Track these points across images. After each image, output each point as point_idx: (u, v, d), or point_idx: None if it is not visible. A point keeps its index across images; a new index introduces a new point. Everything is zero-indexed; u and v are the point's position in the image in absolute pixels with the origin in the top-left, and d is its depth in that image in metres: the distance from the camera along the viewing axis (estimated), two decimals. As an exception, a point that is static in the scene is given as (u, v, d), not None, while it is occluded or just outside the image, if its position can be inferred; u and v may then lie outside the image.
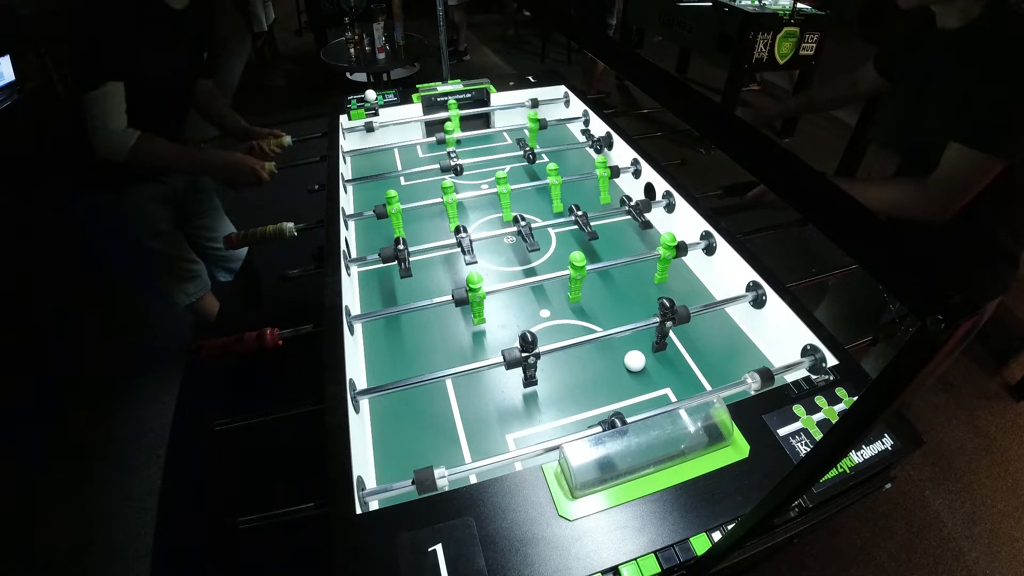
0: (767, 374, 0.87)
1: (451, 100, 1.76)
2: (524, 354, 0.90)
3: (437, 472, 0.73)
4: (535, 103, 1.86)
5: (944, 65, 1.13)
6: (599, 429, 0.80)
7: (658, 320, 0.99)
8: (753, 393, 0.87)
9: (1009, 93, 1.02)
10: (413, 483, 0.73)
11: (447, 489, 0.73)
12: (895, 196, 1.19)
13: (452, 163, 1.52)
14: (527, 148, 1.61)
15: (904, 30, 1.30)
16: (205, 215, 1.81)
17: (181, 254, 1.70)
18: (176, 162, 1.51)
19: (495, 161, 1.68)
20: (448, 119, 1.72)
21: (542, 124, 1.70)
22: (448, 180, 1.34)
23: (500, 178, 1.36)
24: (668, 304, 0.98)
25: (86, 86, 1.26)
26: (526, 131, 1.83)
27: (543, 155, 1.66)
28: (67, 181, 1.51)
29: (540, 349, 0.92)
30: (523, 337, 0.90)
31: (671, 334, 1.08)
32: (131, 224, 1.55)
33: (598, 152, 1.64)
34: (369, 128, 1.72)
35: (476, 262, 1.19)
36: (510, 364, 0.90)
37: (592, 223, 1.30)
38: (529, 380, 0.96)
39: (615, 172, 1.49)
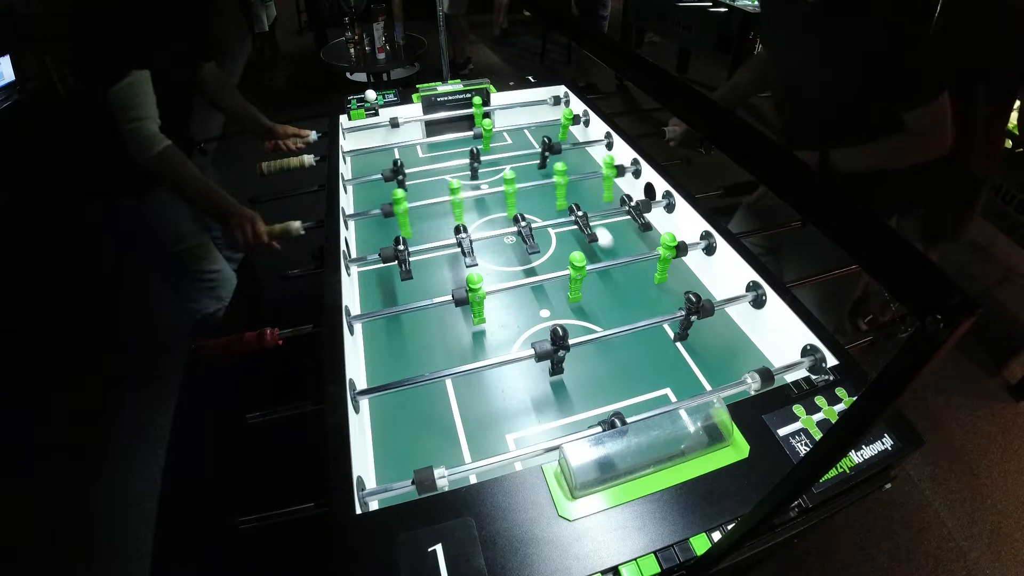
0: (767, 374, 0.87)
1: (476, 97, 1.76)
2: (554, 346, 0.92)
3: (437, 472, 0.73)
4: (557, 100, 1.89)
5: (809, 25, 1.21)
6: (599, 429, 0.81)
7: (683, 314, 1.01)
8: (753, 393, 0.87)
9: (910, 42, 1.08)
10: (413, 483, 0.73)
11: (447, 489, 0.73)
12: (890, 156, 1.24)
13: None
14: (547, 140, 1.60)
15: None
16: None
17: (209, 255, 1.61)
18: (192, 191, 1.34)
19: (495, 161, 1.68)
20: (471, 116, 1.75)
21: (576, 120, 1.76)
22: (455, 181, 1.34)
23: (507, 179, 1.36)
24: (695, 299, 1.00)
25: (108, 80, 1.17)
26: (527, 132, 1.84)
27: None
28: (82, 190, 1.44)
29: (571, 342, 0.94)
30: (554, 332, 0.93)
31: (671, 335, 1.08)
32: (156, 229, 1.47)
33: (609, 149, 1.64)
34: (394, 124, 1.72)
35: (476, 264, 1.19)
36: (540, 357, 0.92)
37: (592, 224, 1.30)
38: (556, 370, 0.98)
39: (621, 171, 1.49)
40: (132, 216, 1.45)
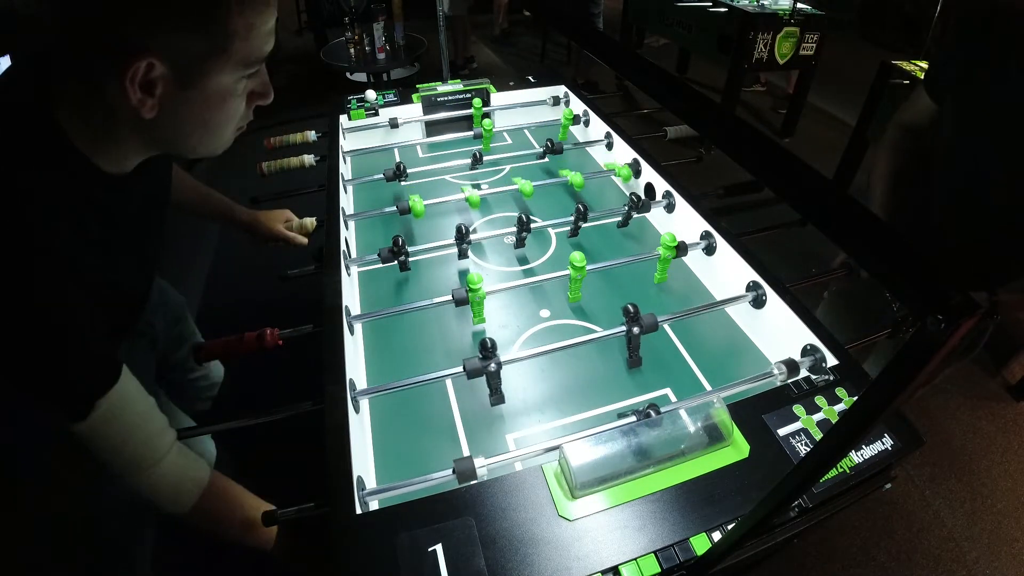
0: (792, 365, 0.88)
1: (476, 99, 1.76)
2: (485, 362, 0.87)
3: (477, 462, 0.74)
4: (557, 100, 1.90)
5: None
6: (633, 418, 0.81)
7: (624, 329, 0.96)
8: (780, 384, 0.88)
9: None
10: (454, 472, 0.74)
11: (486, 478, 0.74)
12: None
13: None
14: (550, 143, 1.62)
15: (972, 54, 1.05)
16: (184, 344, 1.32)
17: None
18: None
19: (495, 161, 1.68)
20: (470, 116, 1.76)
21: (576, 120, 1.77)
22: (476, 197, 1.36)
23: (526, 192, 1.39)
24: (632, 310, 0.95)
25: (69, 418, 0.74)
26: (527, 132, 1.84)
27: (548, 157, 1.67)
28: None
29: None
30: (483, 344, 0.87)
31: (671, 335, 1.08)
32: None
33: (609, 149, 1.65)
34: (394, 124, 1.72)
35: (468, 271, 1.20)
36: (471, 374, 0.87)
37: (593, 223, 1.30)
38: (494, 393, 0.92)
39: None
40: None
